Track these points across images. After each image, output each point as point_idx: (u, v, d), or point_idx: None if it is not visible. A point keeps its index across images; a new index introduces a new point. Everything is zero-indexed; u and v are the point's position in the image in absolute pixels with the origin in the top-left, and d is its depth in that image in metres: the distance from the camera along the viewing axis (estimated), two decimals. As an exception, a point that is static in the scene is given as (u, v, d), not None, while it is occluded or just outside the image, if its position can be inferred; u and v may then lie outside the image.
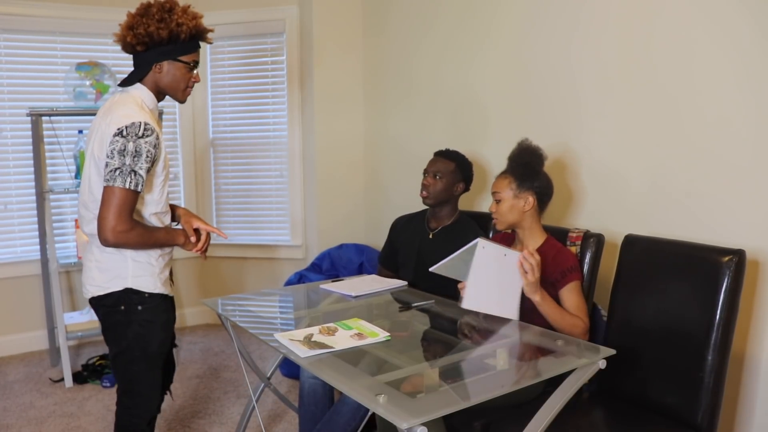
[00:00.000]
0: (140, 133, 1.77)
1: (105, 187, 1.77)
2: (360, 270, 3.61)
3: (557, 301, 2.11)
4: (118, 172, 1.75)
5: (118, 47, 1.92)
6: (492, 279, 2.03)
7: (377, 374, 1.67)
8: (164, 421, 2.92)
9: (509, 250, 2.04)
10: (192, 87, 1.99)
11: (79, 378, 3.39)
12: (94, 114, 2.23)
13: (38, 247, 3.62)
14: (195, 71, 1.97)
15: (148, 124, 1.78)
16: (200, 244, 2.03)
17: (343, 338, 1.84)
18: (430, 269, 2.10)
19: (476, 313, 2.19)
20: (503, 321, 2.08)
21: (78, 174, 3.58)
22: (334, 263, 3.71)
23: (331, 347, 1.77)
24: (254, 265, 4.28)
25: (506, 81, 2.98)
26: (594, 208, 2.60)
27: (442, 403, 1.50)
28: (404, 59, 3.64)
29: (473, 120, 3.19)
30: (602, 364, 1.70)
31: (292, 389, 3.23)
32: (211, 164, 4.29)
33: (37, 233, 3.63)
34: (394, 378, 1.63)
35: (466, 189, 2.72)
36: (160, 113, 3.52)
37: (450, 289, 2.19)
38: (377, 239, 3.87)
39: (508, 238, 2.32)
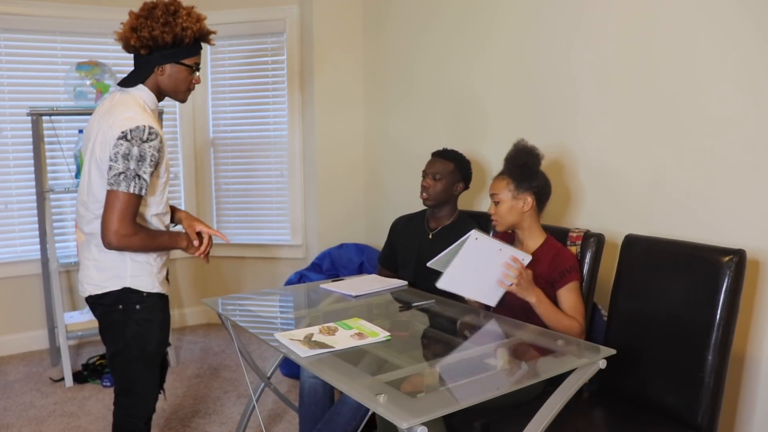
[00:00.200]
0: (145, 137, 1.76)
1: (109, 191, 1.76)
2: (360, 270, 3.61)
3: (556, 300, 2.11)
4: (122, 176, 1.75)
5: (119, 47, 1.91)
6: (478, 268, 2.03)
7: (377, 374, 1.67)
8: (164, 420, 2.92)
9: (506, 246, 2.04)
10: (193, 88, 1.99)
11: (79, 377, 3.39)
12: (94, 113, 2.23)
13: (38, 246, 3.62)
14: (197, 73, 1.97)
15: (153, 128, 1.78)
16: (203, 248, 2.04)
17: (343, 338, 1.84)
18: (428, 264, 2.11)
19: (476, 313, 2.20)
20: (503, 321, 2.09)
21: (78, 174, 3.58)
22: (335, 263, 3.71)
23: (332, 347, 1.77)
24: (254, 264, 4.28)
25: (506, 81, 2.98)
26: (594, 208, 2.60)
27: (442, 403, 1.50)
28: (404, 59, 3.64)
29: (473, 120, 3.19)
30: (602, 363, 1.70)
31: (293, 389, 3.23)
32: (212, 164, 4.29)
33: (37, 233, 3.63)
34: (394, 378, 1.63)
35: (466, 188, 2.72)
36: (160, 113, 3.52)
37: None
38: (377, 239, 3.87)
39: (508, 238, 2.32)
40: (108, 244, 1.79)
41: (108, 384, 3.31)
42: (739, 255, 1.84)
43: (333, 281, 2.61)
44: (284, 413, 2.98)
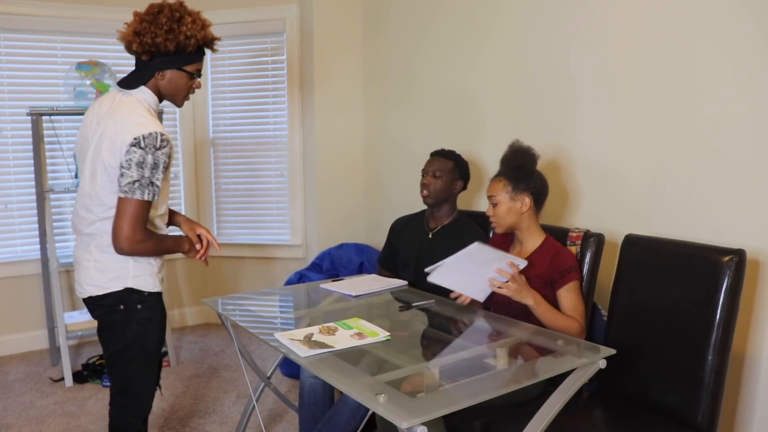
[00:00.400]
0: (158, 145, 1.77)
1: (122, 199, 1.77)
2: (360, 270, 3.61)
3: (555, 300, 2.11)
4: (137, 184, 1.76)
5: (119, 46, 1.90)
6: (472, 268, 2.05)
7: (377, 374, 1.67)
8: (163, 420, 2.92)
9: (504, 253, 2.05)
10: (193, 92, 1.99)
11: (79, 377, 3.39)
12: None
13: (38, 246, 3.62)
14: (197, 79, 1.96)
15: (164, 135, 1.78)
16: (203, 251, 2.07)
17: (343, 338, 1.84)
18: (427, 272, 2.12)
19: (476, 313, 2.20)
20: (503, 321, 2.09)
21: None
22: (335, 263, 3.71)
23: (331, 347, 1.77)
24: (254, 264, 4.28)
25: (507, 81, 2.98)
26: (594, 208, 2.60)
27: (442, 402, 1.50)
28: (405, 59, 3.64)
29: (473, 120, 3.19)
30: (602, 363, 1.70)
31: (293, 389, 3.23)
32: (212, 164, 4.29)
33: (37, 233, 3.63)
34: (394, 378, 1.63)
35: (464, 187, 2.73)
36: (160, 113, 3.51)
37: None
38: (377, 239, 3.87)
39: (508, 238, 2.33)
40: (120, 250, 1.80)
41: (108, 384, 3.30)
42: (739, 255, 1.84)
43: (333, 281, 2.61)
44: (284, 413, 2.98)
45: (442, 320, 2.24)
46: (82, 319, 3.59)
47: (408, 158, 3.61)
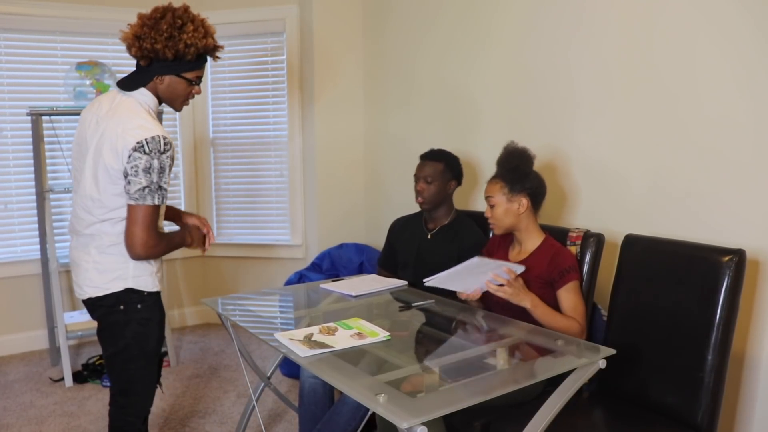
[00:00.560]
0: (162, 149, 1.77)
1: (133, 206, 1.77)
2: (360, 270, 3.61)
3: (555, 300, 2.11)
4: (147, 191, 1.76)
5: (119, 46, 1.92)
6: (469, 274, 2.06)
7: (377, 374, 1.67)
8: (163, 420, 2.92)
9: (504, 263, 2.06)
10: (193, 97, 1.98)
11: (79, 377, 3.39)
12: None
13: (38, 246, 3.62)
14: (197, 86, 1.95)
15: (167, 138, 1.79)
16: (210, 236, 2.12)
17: (343, 338, 1.84)
18: (426, 283, 2.13)
19: (476, 313, 2.20)
20: (503, 321, 2.09)
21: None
22: (334, 263, 3.71)
23: (331, 347, 1.77)
24: (254, 264, 4.28)
25: (507, 81, 2.98)
26: (594, 208, 2.60)
27: (442, 402, 1.50)
28: (404, 59, 3.64)
29: (473, 120, 3.19)
30: (602, 363, 1.70)
31: (292, 389, 3.23)
32: (212, 164, 4.29)
33: (37, 233, 3.63)
34: (394, 378, 1.63)
35: (459, 185, 2.73)
36: (159, 113, 3.51)
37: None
38: (377, 239, 3.87)
39: (507, 239, 2.33)
40: (137, 256, 1.81)
41: (108, 384, 3.30)
42: (739, 255, 1.84)
43: (333, 281, 2.61)
44: (284, 413, 2.98)
45: (442, 320, 2.24)
46: (82, 319, 3.59)
47: (408, 158, 3.60)
